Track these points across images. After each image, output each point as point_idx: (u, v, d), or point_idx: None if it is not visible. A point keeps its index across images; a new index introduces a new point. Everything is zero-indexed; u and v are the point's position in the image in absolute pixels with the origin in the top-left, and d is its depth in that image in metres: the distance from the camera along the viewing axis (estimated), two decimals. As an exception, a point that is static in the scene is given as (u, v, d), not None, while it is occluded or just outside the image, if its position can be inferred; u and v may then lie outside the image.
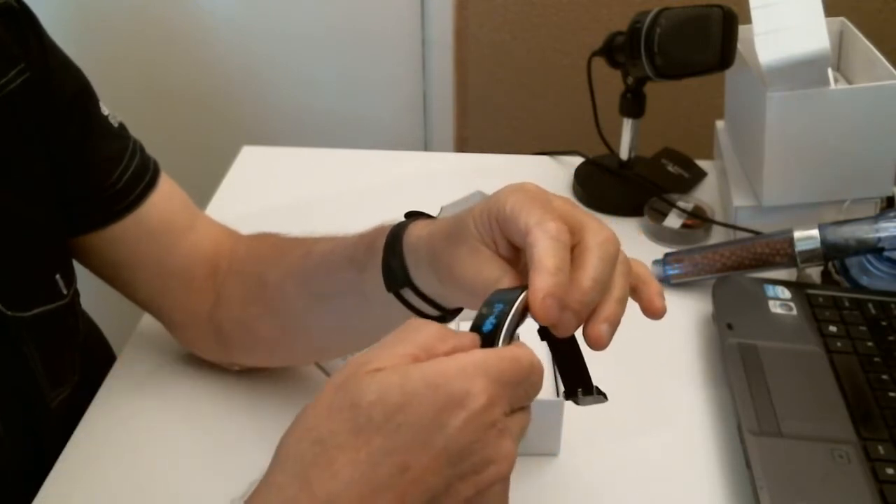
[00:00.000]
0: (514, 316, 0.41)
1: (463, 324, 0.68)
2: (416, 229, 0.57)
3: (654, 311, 0.47)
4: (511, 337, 0.41)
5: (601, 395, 0.45)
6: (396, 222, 0.60)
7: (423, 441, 0.37)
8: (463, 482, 0.37)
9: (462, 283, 0.48)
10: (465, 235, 0.49)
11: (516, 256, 0.48)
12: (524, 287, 0.42)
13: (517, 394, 0.39)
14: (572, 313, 0.42)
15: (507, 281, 0.45)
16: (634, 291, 0.47)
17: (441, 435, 0.37)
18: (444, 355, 0.39)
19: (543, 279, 0.41)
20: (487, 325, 0.41)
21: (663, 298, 0.48)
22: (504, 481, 0.38)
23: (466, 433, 0.37)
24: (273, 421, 0.62)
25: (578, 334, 0.44)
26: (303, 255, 0.65)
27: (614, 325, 0.44)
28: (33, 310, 0.60)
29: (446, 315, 0.58)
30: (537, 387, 0.40)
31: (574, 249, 0.44)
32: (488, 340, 0.41)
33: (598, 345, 0.44)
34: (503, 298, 0.43)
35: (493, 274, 0.46)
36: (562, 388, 0.64)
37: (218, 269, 0.72)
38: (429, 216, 0.61)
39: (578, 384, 0.45)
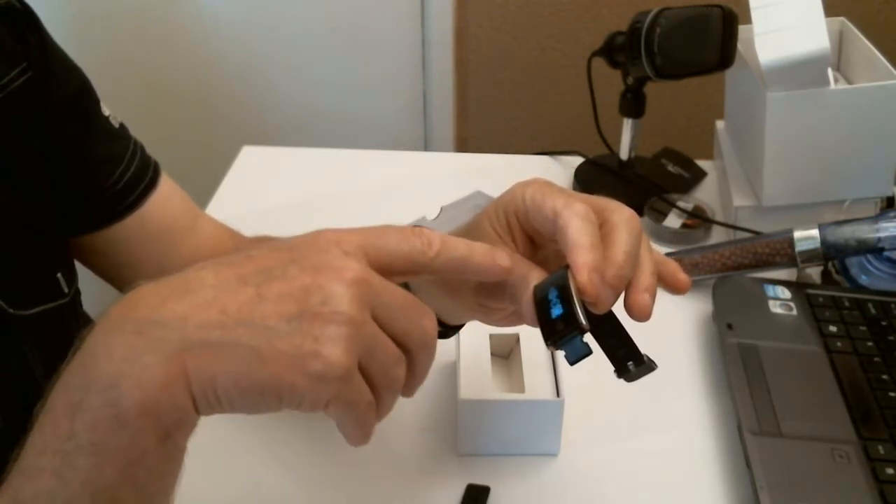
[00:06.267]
0: (577, 293, 0.42)
1: (464, 338, 0.68)
2: None
3: (680, 285, 0.49)
4: (585, 313, 0.42)
5: (651, 363, 0.44)
6: None
7: (274, 248, 0.40)
8: (294, 265, 0.39)
9: (484, 285, 0.49)
10: (481, 238, 0.50)
11: (533, 253, 0.50)
12: (564, 268, 0.43)
13: (387, 295, 0.40)
14: (610, 287, 0.43)
15: (535, 274, 0.46)
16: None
17: (294, 247, 0.40)
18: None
19: (583, 255, 0.43)
20: (556, 311, 0.42)
21: (683, 272, 0.49)
22: (349, 287, 0.38)
23: (315, 244, 0.40)
24: (272, 420, 0.62)
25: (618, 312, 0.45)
26: None
27: (653, 295, 0.45)
28: (35, 308, 0.60)
29: (448, 331, 0.58)
30: (407, 303, 0.41)
31: (601, 228, 0.46)
32: (565, 323, 0.42)
33: (642, 314, 0.45)
34: (550, 285, 0.44)
35: (521, 269, 0.47)
36: (562, 388, 0.64)
37: (219, 270, 0.72)
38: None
39: (628, 358, 0.44)
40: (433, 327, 0.42)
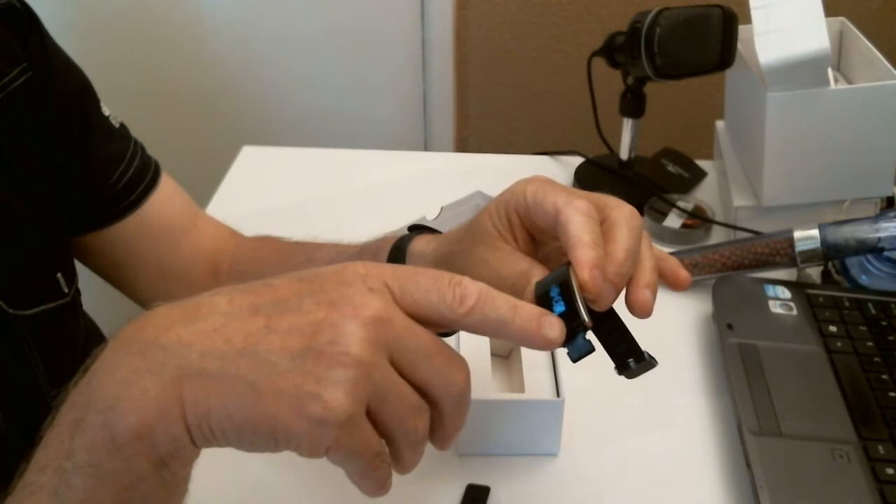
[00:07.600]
0: (578, 290, 0.42)
1: (464, 338, 0.68)
2: (420, 244, 0.57)
3: (680, 281, 0.49)
4: (587, 310, 0.42)
5: (652, 360, 0.44)
6: (400, 235, 0.60)
7: (297, 278, 0.39)
8: (312, 298, 0.37)
9: (485, 282, 0.49)
10: (482, 235, 0.50)
11: (534, 251, 0.50)
12: (566, 265, 0.43)
13: (405, 335, 0.38)
14: (610, 284, 0.43)
15: (536, 271, 0.46)
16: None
17: (317, 278, 0.39)
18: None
19: (585, 252, 0.43)
20: (558, 308, 0.42)
21: (683, 269, 0.50)
22: (363, 327, 0.36)
23: (339, 276, 0.39)
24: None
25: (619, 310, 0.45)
26: (304, 262, 0.65)
27: (654, 291, 0.45)
28: (34, 308, 0.60)
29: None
30: (425, 342, 0.38)
31: (602, 225, 0.46)
32: (567, 320, 0.41)
33: (643, 310, 0.45)
34: (552, 282, 0.43)
35: (522, 266, 0.47)
36: (562, 388, 0.64)
37: (219, 269, 0.73)
38: (433, 230, 0.61)
39: (628, 355, 0.44)
40: (463, 378, 0.39)
